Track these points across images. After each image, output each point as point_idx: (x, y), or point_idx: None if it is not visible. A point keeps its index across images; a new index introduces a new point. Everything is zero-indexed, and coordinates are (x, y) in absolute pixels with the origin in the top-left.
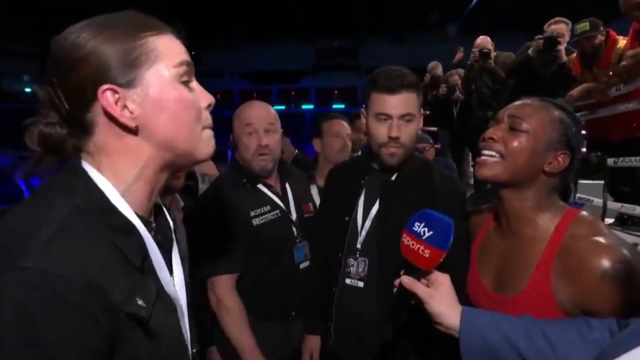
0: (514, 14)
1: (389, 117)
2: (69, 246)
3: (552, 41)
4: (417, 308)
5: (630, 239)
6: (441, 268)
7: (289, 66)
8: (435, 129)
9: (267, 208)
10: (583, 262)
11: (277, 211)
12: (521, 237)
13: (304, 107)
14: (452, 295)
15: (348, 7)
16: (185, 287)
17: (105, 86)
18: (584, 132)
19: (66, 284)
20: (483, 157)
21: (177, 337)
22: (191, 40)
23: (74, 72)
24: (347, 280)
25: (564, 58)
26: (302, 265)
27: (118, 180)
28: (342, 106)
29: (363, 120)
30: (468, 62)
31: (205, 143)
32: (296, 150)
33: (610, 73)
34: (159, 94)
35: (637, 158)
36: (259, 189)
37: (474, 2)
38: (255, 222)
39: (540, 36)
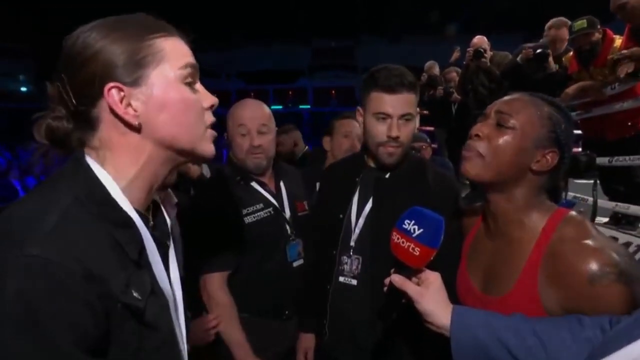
0: (514, 14)
1: (388, 116)
2: (71, 235)
3: (542, 56)
4: (408, 307)
5: (624, 237)
6: (432, 266)
7: (285, 66)
8: (432, 128)
9: (260, 206)
10: (570, 266)
11: (270, 209)
12: (508, 238)
13: (301, 107)
14: (442, 294)
15: (345, 7)
16: (181, 283)
17: (111, 84)
18: (577, 130)
19: (67, 273)
20: (467, 155)
21: (169, 333)
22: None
23: (83, 69)
24: (341, 278)
25: (553, 69)
26: (295, 264)
27: (119, 175)
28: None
29: (360, 118)
30: (464, 62)
31: (208, 142)
32: (306, 147)
33: (607, 72)
34: (163, 93)
35: (632, 157)
36: (252, 187)
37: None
38: (248, 219)
39: (530, 45)
